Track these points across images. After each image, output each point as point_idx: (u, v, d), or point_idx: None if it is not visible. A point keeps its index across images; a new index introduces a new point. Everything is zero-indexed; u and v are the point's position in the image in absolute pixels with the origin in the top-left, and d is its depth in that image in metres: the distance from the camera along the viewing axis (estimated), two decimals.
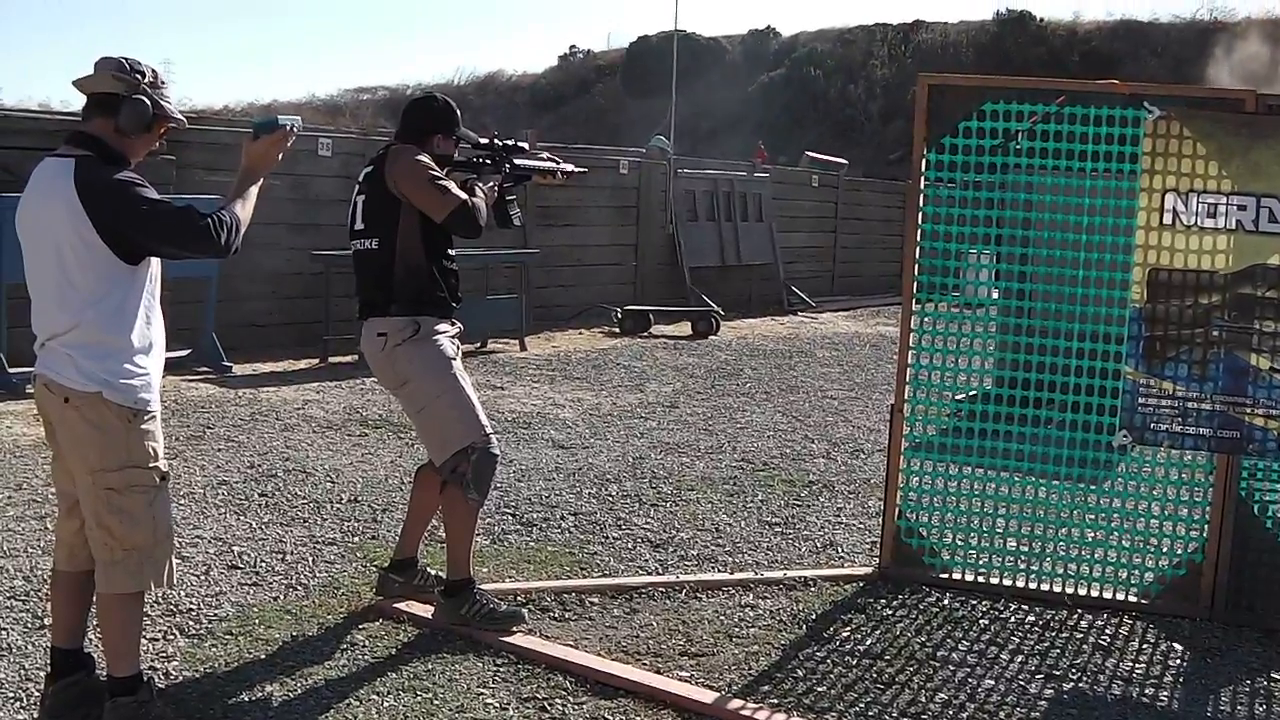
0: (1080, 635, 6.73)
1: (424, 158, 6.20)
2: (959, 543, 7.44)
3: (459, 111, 6.55)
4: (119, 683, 4.99)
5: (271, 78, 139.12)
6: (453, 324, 6.38)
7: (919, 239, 7.24)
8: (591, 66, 76.23)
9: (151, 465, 4.95)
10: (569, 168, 7.17)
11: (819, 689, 5.82)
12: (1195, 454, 7.00)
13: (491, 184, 6.58)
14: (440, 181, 6.14)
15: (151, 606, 6.18)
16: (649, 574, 7.35)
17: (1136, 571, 7.18)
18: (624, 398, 13.24)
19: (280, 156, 5.29)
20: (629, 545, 7.90)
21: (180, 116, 5.14)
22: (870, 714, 5.59)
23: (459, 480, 6.18)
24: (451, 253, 6.36)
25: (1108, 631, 6.82)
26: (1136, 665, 6.37)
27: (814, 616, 6.75)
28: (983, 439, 7.31)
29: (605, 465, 9.91)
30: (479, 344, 16.24)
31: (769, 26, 71.49)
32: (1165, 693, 6.06)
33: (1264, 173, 6.70)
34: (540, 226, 19.61)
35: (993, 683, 6.01)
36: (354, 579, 7.01)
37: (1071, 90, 7.20)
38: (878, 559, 7.53)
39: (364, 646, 6.05)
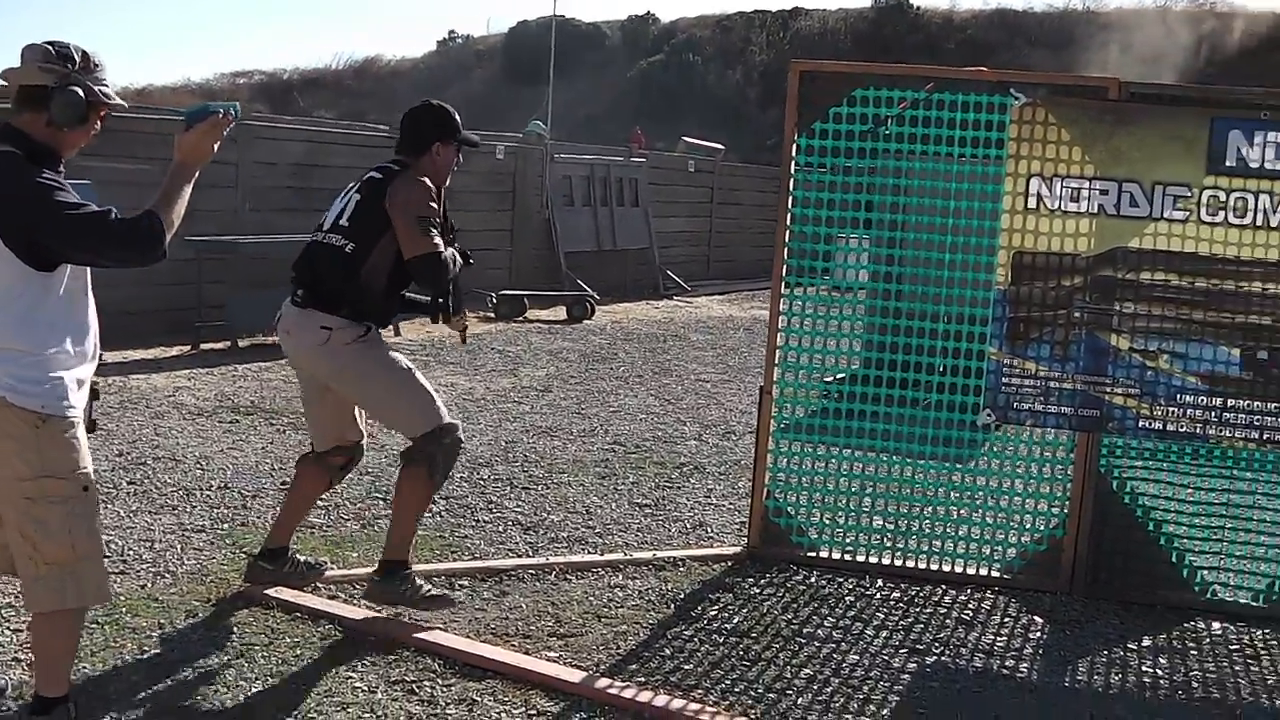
0: (944, 610, 6.86)
1: (430, 195, 6.10)
2: (826, 522, 7.53)
3: (457, 116, 6.45)
4: (41, 702, 4.74)
5: (144, 62, 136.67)
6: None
7: (789, 223, 7.30)
8: (471, 52, 75.72)
9: (71, 475, 4.63)
10: None
11: (686, 667, 5.87)
12: (1057, 432, 7.15)
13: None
14: (428, 223, 6.03)
15: (17, 597, 6.00)
16: (519, 556, 7.36)
17: (1000, 548, 7.33)
18: (498, 382, 13.23)
19: (216, 147, 4.91)
20: (500, 528, 7.90)
21: (119, 101, 4.83)
22: (736, 690, 5.65)
23: (427, 461, 6.14)
24: (413, 284, 6.32)
25: (971, 606, 6.95)
26: (998, 638, 6.50)
27: (682, 596, 6.80)
28: (850, 420, 7.40)
29: (478, 449, 9.89)
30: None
31: (648, 13, 71.37)
32: (1026, 665, 6.21)
33: (1125, 158, 6.85)
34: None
35: (857, 658, 6.10)
36: (222, 566, 6.93)
37: (940, 77, 7.32)
38: (746, 539, 7.59)
39: (232, 633, 5.99)
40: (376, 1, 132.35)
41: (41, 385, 4.57)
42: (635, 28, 70.18)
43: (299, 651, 5.80)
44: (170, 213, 4.66)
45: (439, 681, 5.55)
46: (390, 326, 6.40)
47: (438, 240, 6.05)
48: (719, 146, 31.59)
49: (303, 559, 6.69)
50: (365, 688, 5.43)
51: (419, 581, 6.30)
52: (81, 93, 4.58)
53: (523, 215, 22.02)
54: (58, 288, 4.62)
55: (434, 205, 6.10)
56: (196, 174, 4.83)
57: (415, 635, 6.00)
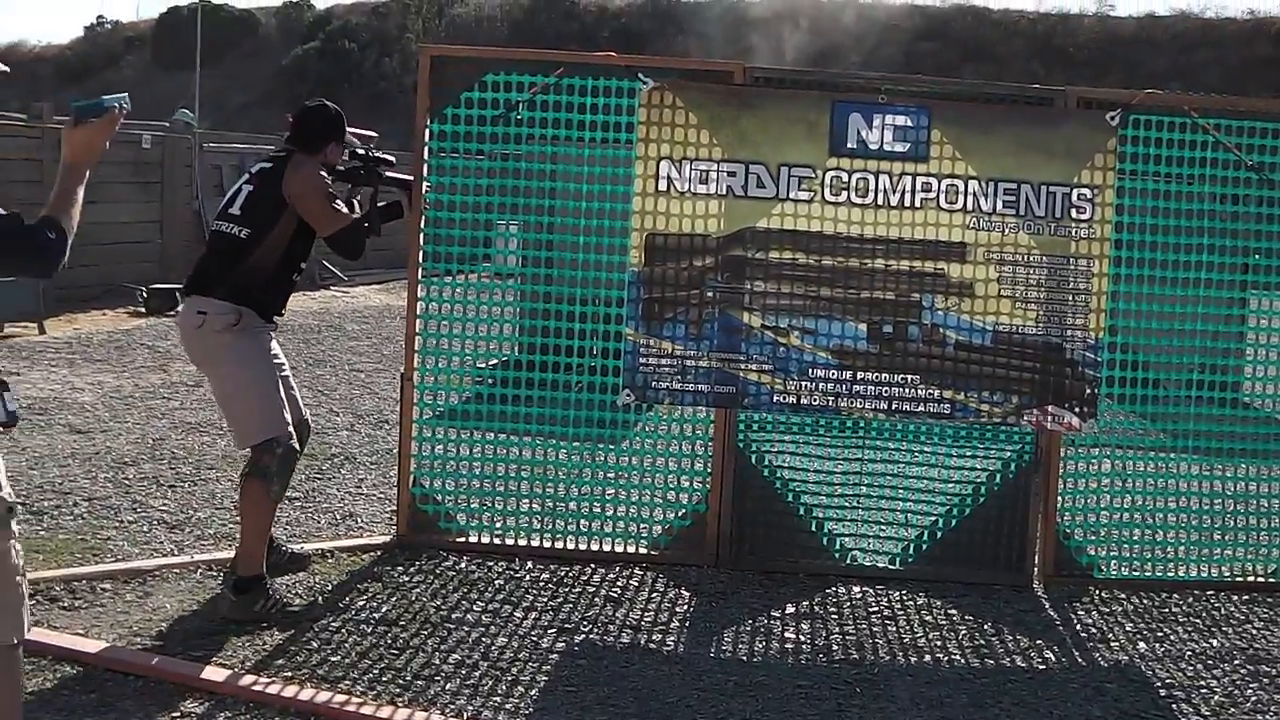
0: (593, 589, 6.98)
1: (323, 173, 6.38)
2: (475, 507, 7.56)
3: (344, 118, 6.67)
4: None
5: None
6: (272, 324, 6.46)
7: (424, 209, 7.30)
8: (120, 38, 73.39)
9: None
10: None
11: (333, 659, 5.83)
12: (696, 410, 7.32)
13: (362, 196, 6.74)
14: (335, 199, 6.36)
15: None
16: (164, 556, 7.19)
17: (646, 525, 7.47)
18: (146, 378, 12.86)
19: (108, 144, 4.55)
20: (145, 528, 7.69)
21: (3, 66, 4.46)
22: (384, 680, 5.64)
23: (261, 473, 6.20)
24: (302, 267, 6.50)
25: (619, 584, 7.09)
26: (645, 613, 6.65)
27: (330, 587, 6.76)
28: (497, 404, 7.45)
29: (124, 448, 9.62)
30: None
31: None
32: (673, 638, 6.36)
33: (751, 140, 7.05)
34: None
35: (506, 640, 6.17)
36: None
37: (569, 62, 7.40)
38: (395, 528, 7.57)
39: None
40: None
41: None
42: (289, 14, 69.08)
43: None
44: (70, 218, 4.30)
45: (79, 690, 5.40)
46: (272, 320, 6.47)
47: (348, 212, 6.46)
48: (373, 133, 31.30)
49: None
50: None
51: (279, 595, 6.33)
52: None
53: (171, 206, 21.40)
54: None
55: (329, 183, 6.42)
56: (87, 173, 4.47)
57: (52, 643, 5.79)
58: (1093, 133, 7.13)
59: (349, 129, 6.65)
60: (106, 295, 18.77)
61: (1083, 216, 7.09)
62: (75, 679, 5.50)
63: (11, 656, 4.38)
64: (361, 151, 6.76)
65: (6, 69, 4.64)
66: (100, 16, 79.09)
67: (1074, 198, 7.08)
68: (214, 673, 5.60)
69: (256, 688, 5.47)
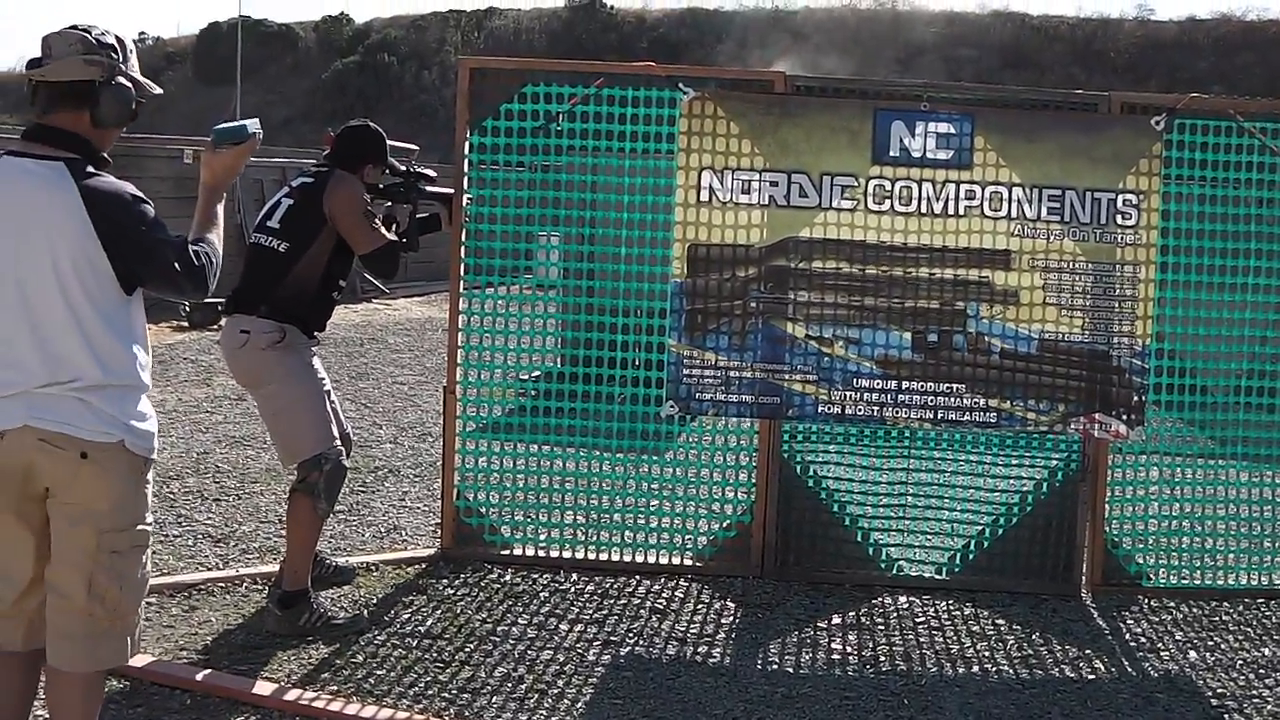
0: (638, 601, 6.95)
1: (364, 192, 6.38)
2: (519, 519, 7.54)
3: (386, 139, 6.69)
4: None
5: None
6: (314, 340, 6.49)
7: (464, 221, 7.29)
8: (162, 54, 74.07)
9: (149, 523, 4.36)
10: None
11: (379, 673, 5.83)
12: (740, 421, 7.30)
13: (401, 213, 6.79)
14: (373, 218, 6.39)
15: None
16: (209, 570, 7.20)
17: (691, 536, 7.43)
18: (190, 393, 12.90)
19: (244, 167, 4.66)
20: (189, 542, 7.71)
21: (157, 89, 4.51)
22: (430, 694, 5.64)
23: (309, 490, 6.21)
24: (342, 284, 6.51)
25: (664, 595, 7.05)
26: (691, 625, 6.62)
27: (375, 601, 6.75)
28: (541, 416, 7.43)
29: (168, 462, 9.64)
30: None
31: (342, 13, 70.94)
32: (719, 649, 6.33)
33: (793, 150, 7.03)
34: None
35: (551, 653, 6.14)
36: None
37: (609, 73, 7.38)
38: (440, 540, 7.57)
39: None
40: (64, 4, 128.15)
41: (147, 424, 4.28)
42: (329, 28, 69.46)
43: None
44: (220, 241, 4.43)
45: (125, 705, 5.40)
46: (313, 336, 6.51)
47: (385, 232, 6.45)
48: (414, 147, 31.41)
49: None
50: (46, 715, 5.25)
51: (323, 609, 6.33)
52: (131, 87, 4.27)
53: None
54: (142, 313, 4.34)
55: (368, 202, 6.42)
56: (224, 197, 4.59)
57: None
58: (1137, 138, 7.08)
59: (390, 142, 6.66)
60: (150, 310, 18.75)
61: (1128, 222, 7.05)
62: (122, 693, 5.51)
63: (102, 680, 4.48)
64: (401, 168, 6.76)
65: (160, 90, 4.72)
66: (142, 32, 79.79)
67: (1119, 203, 7.04)
68: (261, 687, 5.60)
69: (303, 702, 5.48)
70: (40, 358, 4.10)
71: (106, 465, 4.15)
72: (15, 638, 4.37)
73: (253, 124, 4.67)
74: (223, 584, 6.90)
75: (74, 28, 4.24)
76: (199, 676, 5.66)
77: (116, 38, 4.31)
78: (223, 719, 5.31)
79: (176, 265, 4.23)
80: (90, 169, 4.19)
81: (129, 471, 4.22)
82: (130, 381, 4.22)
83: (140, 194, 4.25)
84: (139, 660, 5.79)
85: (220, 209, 4.52)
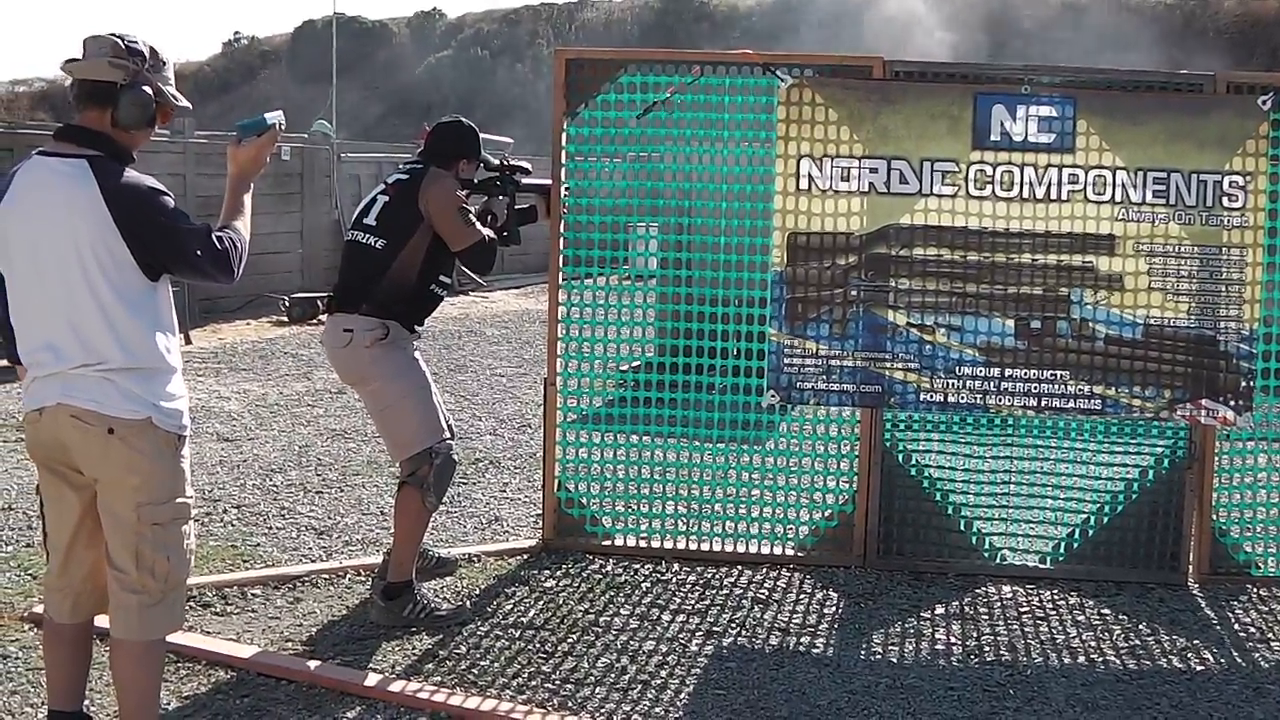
0: (740, 591, 6.92)
1: (459, 188, 6.45)
2: (620, 510, 7.54)
3: (480, 135, 6.70)
4: None
5: None
6: (415, 334, 6.53)
7: (563, 212, 7.29)
8: (256, 53, 74.75)
9: (189, 496, 4.61)
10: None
11: (482, 664, 5.85)
12: (841, 410, 7.25)
13: (497, 206, 6.79)
14: (468, 214, 6.40)
15: None
16: (313, 561, 7.27)
17: (792, 526, 7.40)
18: (291, 386, 13.03)
19: (268, 159, 4.86)
20: (293, 534, 7.79)
21: (186, 102, 4.71)
22: (533, 685, 5.64)
23: (419, 483, 6.26)
24: (445, 280, 6.55)
25: (766, 585, 7.02)
26: (794, 615, 6.59)
27: (478, 592, 6.78)
28: (640, 407, 7.43)
29: (271, 455, 9.75)
30: None
31: (435, 9, 71.12)
32: (821, 640, 6.29)
33: (893, 136, 6.97)
34: (200, 217, 19.05)
35: (654, 644, 6.14)
36: (6, 589, 6.72)
37: (706, 61, 7.35)
38: (541, 532, 7.58)
39: (16, 658, 5.79)
40: (158, 5, 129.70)
41: (176, 403, 4.52)
42: (422, 24, 69.83)
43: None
44: (246, 229, 4.68)
45: (232, 695, 5.46)
46: (414, 330, 6.55)
47: (480, 229, 6.43)
48: (509, 140, 31.51)
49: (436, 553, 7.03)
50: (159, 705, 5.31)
51: (426, 600, 6.37)
52: (151, 93, 4.47)
53: (312, 216, 21.69)
54: (168, 298, 4.58)
55: (464, 198, 6.44)
56: (252, 185, 4.81)
57: (205, 648, 5.87)
58: (1244, 118, 6.95)
59: (484, 135, 6.66)
60: (250, 305, 19.06)
61: (1235, 205, 6.92)
62: (228, 684, 5.57)
63: (161, 650, 4.72)
64: (496, 162, 6.77)
65: (189, 106, 4.87)
66: (237, 32, 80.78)
67: (1225, 185, 6.92)
68: (366, 677, 5.64)
69: (408, 692, 5.50)
70: (73, 341, 4.36)
71: (133, 441, 4.39)
72: (63, 609, 4.67)
73: (273, 116, 4.84)
74: (326, 575, 6.96)
75: (116, 35, 4.46)
76: (305, 667, 5.71)
77: (151, 48, 4.52)
78: (328, 710, 5.35)
79: (199, 251, 4.47)
80: (112, 166, 4.40)
81: (160, 447, 4.45)
82: (155, 364, 4.45)
83: (160, 186, 4.49)
84: (245, 650, 5.87)
85: (248, 199, 4.76)
